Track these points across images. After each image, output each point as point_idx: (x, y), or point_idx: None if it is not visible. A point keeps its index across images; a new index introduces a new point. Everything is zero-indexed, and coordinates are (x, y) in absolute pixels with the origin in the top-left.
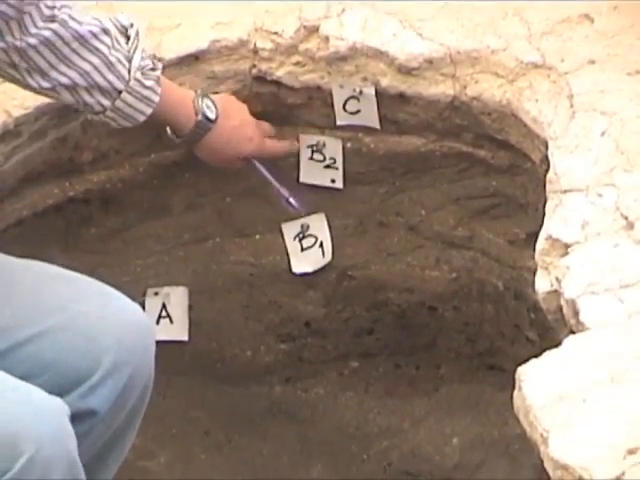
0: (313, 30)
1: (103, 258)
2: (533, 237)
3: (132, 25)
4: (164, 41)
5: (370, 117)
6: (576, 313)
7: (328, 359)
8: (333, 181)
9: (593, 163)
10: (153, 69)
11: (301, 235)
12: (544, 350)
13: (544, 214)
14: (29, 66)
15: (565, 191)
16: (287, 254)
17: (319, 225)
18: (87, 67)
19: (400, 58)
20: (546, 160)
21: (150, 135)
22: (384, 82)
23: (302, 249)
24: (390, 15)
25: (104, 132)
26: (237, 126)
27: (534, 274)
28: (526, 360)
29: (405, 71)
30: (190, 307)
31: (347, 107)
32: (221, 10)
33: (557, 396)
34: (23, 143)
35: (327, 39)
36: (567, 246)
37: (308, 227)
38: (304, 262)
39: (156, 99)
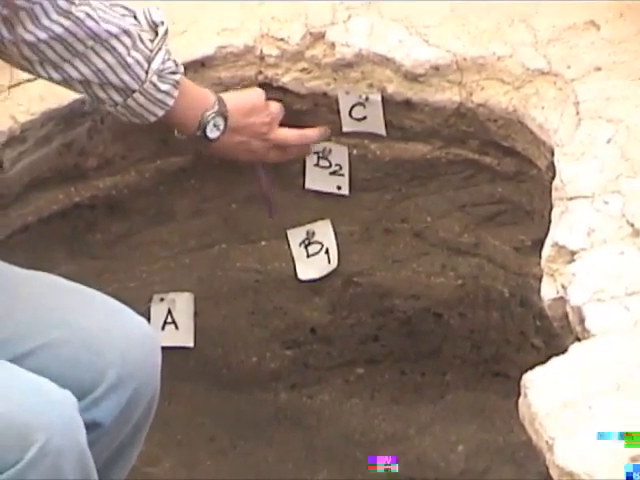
0: (319, 36)
1: (108, 264)
2: (539, 244)
3: (162, 23)
4: (170, 47)
5: (376, 124)
6: (582, 320)
7: (333, 365)
8: (339, 188)
9: (599, 170)
10: (174, 72)
11: (307, 241)
12: (550, 357)
13: (550, 221)
14: (40, 58)
15: (571, 198)
16: (293, 260)
17: (325, 231)
18: (101, 65)
19: (406, 65)
20: (552, 167)
21: (156, 141)
22: (390, 89)
23: (308, 255)
24: (396, 21)
25: (110, 138)
26: (242, 142)
27: (540, 281)
28: (532, 367)
29: (411, 78)
30: (196, 313)
31: (353, 114)
32: (227, 16)
33: (562, 403)
34: (29, 149)
35: (333, 45)
36: (573, 253)
37: (314, 233)
38: (310, 268)
39: (170, 103)
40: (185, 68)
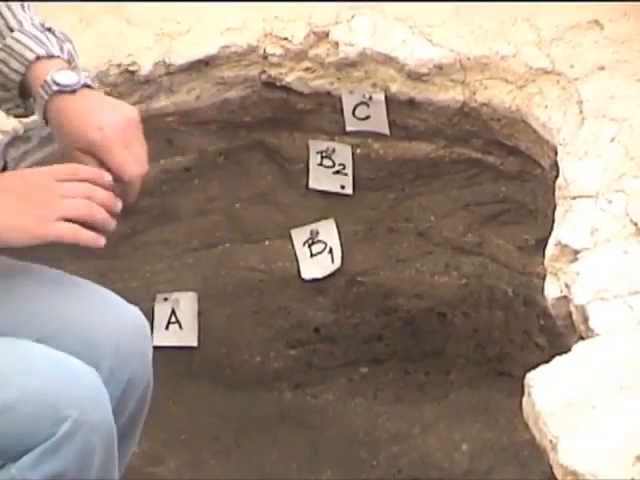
0: (323, 36)
1: (112, 263)
2: (542, 243)
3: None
4: (174, 47)
5: (380, 123)
6: (585, 319)
7: (337, 365)
8: (342, 187)
9: (602, 169)
10: (60, 39)
11: (310, 241)
12: (553, 356)
13: (553, 220)
14: None
15: (575, 197)
16: (296, 260)
17: (328, 231)
18: None
19: (410, 64)
20: (555, 166)
21: (160, 141)
22: (394, 88)
23: (311, 255)
24: (400, 21)
25: None
26: (94, 110)
27: (543, 280)
28: (535, 366)
29: (415, 77)
30: (199, 313)
31: (357, 113)
32: (231, 16)
33: (566, 402)
34: (33, 148)
35: (337, 45)
36: (576, 252)
37: (317, 233)
38: (313, 268)
39: (52, 48)
40: (189, 67)
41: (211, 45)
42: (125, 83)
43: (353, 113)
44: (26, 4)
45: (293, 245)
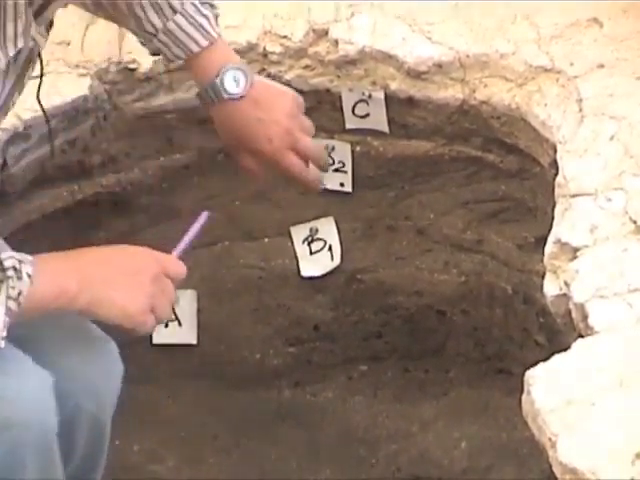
0: (322, 34)
1: None
2: (542, 241)
3: None
4: None
5: (379, 121)
6: (585, 317)
7: (337, 363)
8: (342, 185)
9: (602, 167)
10: (213, 6)
11: (310, 239)
12: (553, 354)
13: (553, 218)
14: None
15: (574, 195)
16: (296, 258)
17: (328, 229)
18: None
19: (409, 62)
20: (555, 164)
21: (159, 138)
22: (393, 86)
23: (311, 253)
24: (399, 19)
25: (113, 135)
26: (261, 119)
27: (543, 278)
28: (535, 364)
29: (414, 75)
30: (199, 310)
31: (356, 111)
32: (230, 13)
33: (565, 400)
34: (32, 146)
35: (336, 43)
36: (576, 250)
37: (317, 231)
38: (313, 266)
39: (211, 32)
40: None
41: None
42: (125, 81)
43: (353, 111)
44: None
45: (292, 243)
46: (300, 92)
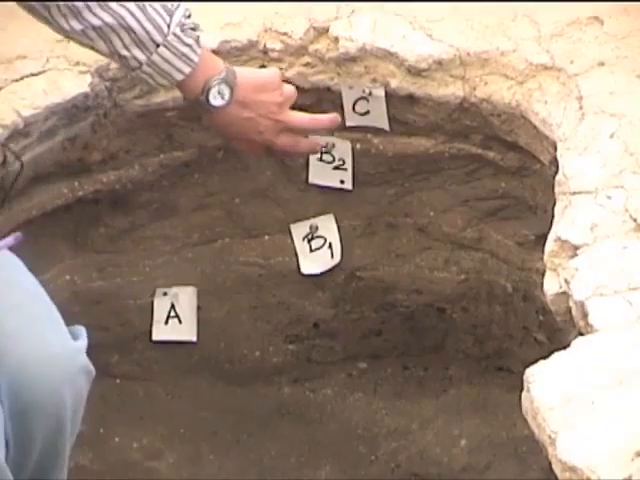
0: (323, 31)
1: (112, 258)
2: (542, 239)
3: None
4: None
5: (379, 118)
6: (585, 315)
7: (336, 360)
8: (342, 182)
9: (602, 165)
10: (194, 29)
11: (310, 236)
12: (553, 352)
13: (553, 216)
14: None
15: (574, 193)
16: (296, 255)
17: (328, 226)
18: (123, 12)
19: (410, 59)
20: (555, 162)
21: (159, 136)
22: (393, 83)
23: (311, 250)
24: (400, 16)
25: (113, 132)
26: (250, 118)
27: (543, 276)
28: (534, 362)
29: (414, 72)
30: (199, 307)
31: (356, 108)
32: (230, 11)
33: (565, 398)
34: (32, 143)
35: (337, 40)
36: (576, 248)
37: (317, 228)
38: (313, 263)
39: (195, 58)
40: None
41: (211, 40)
42: (125, 78)
43: (353, 108)
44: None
45: (292, 240)
46: (300, 89)
